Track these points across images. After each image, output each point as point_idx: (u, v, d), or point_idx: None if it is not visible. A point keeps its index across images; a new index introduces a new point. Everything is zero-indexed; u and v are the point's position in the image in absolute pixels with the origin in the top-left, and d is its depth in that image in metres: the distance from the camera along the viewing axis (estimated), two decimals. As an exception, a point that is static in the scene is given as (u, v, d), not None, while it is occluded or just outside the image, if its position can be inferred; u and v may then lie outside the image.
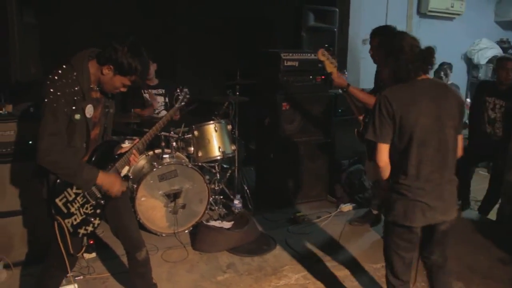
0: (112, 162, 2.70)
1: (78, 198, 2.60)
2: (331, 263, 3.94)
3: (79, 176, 2.49)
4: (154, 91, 5.04)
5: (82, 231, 2.67)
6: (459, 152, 2.67)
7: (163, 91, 5.11)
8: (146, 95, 5.02)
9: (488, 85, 5.02)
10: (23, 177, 3.42)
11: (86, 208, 2.65)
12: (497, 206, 4.94)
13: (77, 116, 2.41)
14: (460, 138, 2.66)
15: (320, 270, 3.83)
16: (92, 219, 2.69)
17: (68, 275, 3.47)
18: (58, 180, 2.50)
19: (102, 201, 2.70)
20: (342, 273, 3.80)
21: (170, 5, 5.72)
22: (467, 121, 6.29)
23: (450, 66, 7.09)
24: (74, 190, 2.58)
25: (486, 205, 5.20)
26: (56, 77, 2.35)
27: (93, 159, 2.61)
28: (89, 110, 2.47)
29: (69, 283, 3.35)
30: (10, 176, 3.53)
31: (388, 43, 2.65)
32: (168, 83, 5.13)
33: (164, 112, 5.03)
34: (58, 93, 2.32)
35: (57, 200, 2.52)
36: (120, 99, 5.21)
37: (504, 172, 4.72)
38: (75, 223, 2.62)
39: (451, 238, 2.77)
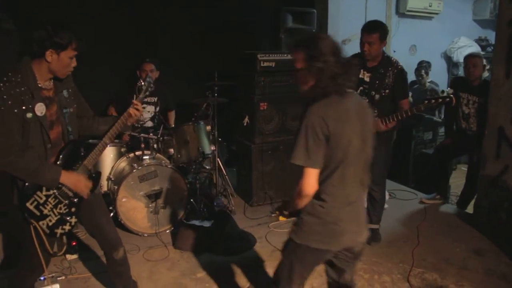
0: (80, 160, 2.73)
1: (49, 200, 2.64)
2: (309, 258, 4.01)
3: (40, 176, 2.51)
4: (146, 99, 5.01)
5: (59, 230, 2.71)
6: None
7: (155, 99, 5.11)
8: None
9: (462, 81, 5.11)
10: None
11: (60, 208, 2.68)
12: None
13: (29, 115, 2.44)
14: None
15: (299, 265, 3.91)
16: (68, 218, 2.73)
17: (50, 275, 3.55)
18: (26, 184, 2.54)
19: (75, 199, 2.73)
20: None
21: (151, 8, 5.78)
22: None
23: (429, 64, 7.22)
24: (44, 192, 2.61)
25: (464, 200, 5.31)
26: (1, 83, 2.39)
27: (60, 158, 2.64)
28: (40, 109, 2.49)
29: (52, 283, 3.43)
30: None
31: (313, 47, 2.21)
32: (162, 92, 5.11)
33: (150, 123, 5.06)
34: (4, 96, 2.36)
35: (27, 204, 2.56)
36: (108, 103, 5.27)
37: (479, 167, 4.83)
38: (50, 224, 2.66)
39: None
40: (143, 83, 2.88)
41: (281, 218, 4.76)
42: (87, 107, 2.93)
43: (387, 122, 3.84)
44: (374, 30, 3.85)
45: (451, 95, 3.83)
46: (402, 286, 3.62)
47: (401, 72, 3.98)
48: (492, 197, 4.65)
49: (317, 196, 2.26)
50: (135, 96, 4.97)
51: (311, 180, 2.19)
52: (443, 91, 6.25)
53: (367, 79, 4.03)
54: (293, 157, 2.20)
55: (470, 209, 5.20)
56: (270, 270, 3.83)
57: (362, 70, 4.08)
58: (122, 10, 5.56)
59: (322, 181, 2.24)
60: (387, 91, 3.95)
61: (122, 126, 2.80)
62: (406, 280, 3.69)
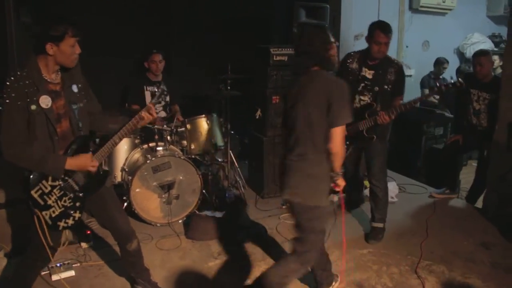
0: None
1: (54, 191, 2.67)
2: (318, 249, 4.08)
3: (44, 165, 2.56)
4: (155, 89, 5.07)
5: (62, 224, 2.74)
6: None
7: (165, 88, 5.19)
8: (148, 93, 5.08)
9: (473, 77, 5.10)
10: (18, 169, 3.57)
11: (65, 201, 2.72)
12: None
13: (33, 107, 2.50)
14: (335, 131, 2.68)
15: (308, 255, 3.98)
16: (72, 212, 2.76)
17: (66, 262, 3.66)
18: (32, 173, 2.59)
19: (80, 194, 2.77)
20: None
21: (167, 2, 5.87)
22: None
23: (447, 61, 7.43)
24: (50, 183, 2.65)
25: (473, 194, 5.33)
26: (8, 78, 2.48)
27: (68, 152, 2.67)
28: (45, 101, 2.53)
29: (67, 269, 3.55)
30: (8, 168, 3.67)
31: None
32: (169, 83, 5.18)
33: (163, 113, 5.15)
34: (9, 89, 2.45)
35: (32, 192, 2.60)
36: (121, 95, 5.36)
37: (489, 162, 4.86)
38: (53, 215, 2.68)
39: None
40: (156, 90, 2.92)
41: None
42: (97, 103, 2.96)
43: (390, 115, 3.92)
44: (390, 30, 3.95)
45: (460, 81, 4.00)
46: (410, 278, 3.68)
47: (402, 70, 4.12)
48: (501, 192, 4.68)
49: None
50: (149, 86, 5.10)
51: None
52: (451, 78, 6.28)
53: (369, 76, 4.11)
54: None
55: (479, 204, 5.23)
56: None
57: (363, 68, 4.12)
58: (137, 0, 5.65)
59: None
60: (390, 86, 4.05)
61: (132, 127, 2.83)
62: (414, 271, 3.75)
